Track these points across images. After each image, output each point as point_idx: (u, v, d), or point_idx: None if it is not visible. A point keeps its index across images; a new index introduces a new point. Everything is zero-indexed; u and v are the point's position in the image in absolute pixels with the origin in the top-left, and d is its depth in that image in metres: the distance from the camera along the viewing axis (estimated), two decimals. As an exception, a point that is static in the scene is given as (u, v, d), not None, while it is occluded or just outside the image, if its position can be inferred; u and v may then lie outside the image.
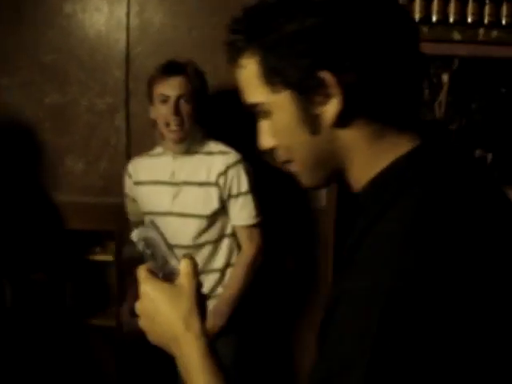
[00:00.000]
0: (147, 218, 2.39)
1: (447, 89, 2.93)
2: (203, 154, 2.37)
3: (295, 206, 2.88)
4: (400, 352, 0.72)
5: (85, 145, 2.83)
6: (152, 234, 1.00)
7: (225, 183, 2.33)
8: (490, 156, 2.96)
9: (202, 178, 2.33)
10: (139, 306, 0.99)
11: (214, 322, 2.28)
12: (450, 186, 0.84)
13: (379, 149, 0.88)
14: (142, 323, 1.00)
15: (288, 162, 0.96)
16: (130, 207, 2.52)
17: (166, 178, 2.37)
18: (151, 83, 2.32)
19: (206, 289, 2.33)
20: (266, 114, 0.92)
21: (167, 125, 2.29)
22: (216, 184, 2.33)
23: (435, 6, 2.85)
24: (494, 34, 2.88)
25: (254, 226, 2.40)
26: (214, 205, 2.33)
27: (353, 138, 0.88)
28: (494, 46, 2.90)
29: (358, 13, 0.84)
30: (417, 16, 2.84)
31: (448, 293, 0.74)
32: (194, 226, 2.33)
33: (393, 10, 0.87)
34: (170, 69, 2.30)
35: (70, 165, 2.85)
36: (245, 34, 0.89)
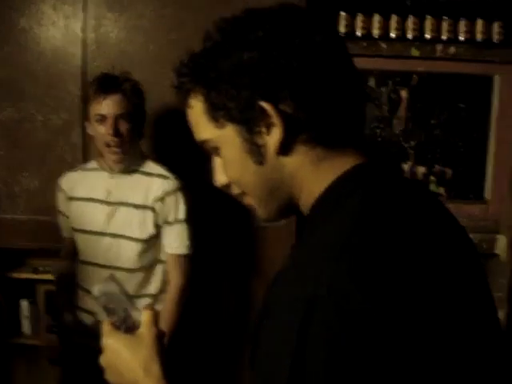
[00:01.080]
0: (79, 236, 2.33)
1: (406, 104, 2.95)
2: (141, 174, 2.30)
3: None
4: (320, 366, 0.72)
5: (40, 162, 2.78)
6: (113, 288, 1.03)
7: (161, 209, 2.27)
8: (449, 171, 2.97)
9: (139, 200, 2.26)
10: (103, 359, 1.02)
11: None
12: (385, 199, 0.87)
13: (323, 171, 0.91)
14: (108, 375, 1.03)
15: (243, 195, 0.98)
16: (63, 223, 2.42)
17: (101, 196, 2.29)
18: (87, 101, 2.24)
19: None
20: (216, 150, 0.96)
21: (107, 145, 2.21)
22: (152, 209, 2.26)
23: (393, 23, 2.87)
24: (452, 50, 2.90)
25: (185, 255, 2.33)
26: (150, 229, 2.27)
27: (298, 165, 0.91)
28: (452, 61, 2.93)
29: (292, 45, 0.88)
30: (375, 32, 2.85)
31: (374, 303, 0.74)
32: (129, 249, 2.26)
33: (325, 40, 0.91)
34: (106, 86, 2.20)
35: (25, 182, 2.79)
36: (190, 76, 0.94)
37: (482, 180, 2.99)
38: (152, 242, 2.29)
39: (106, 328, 1.03)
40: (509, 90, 2.98)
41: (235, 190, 0.99)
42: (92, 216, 2.29)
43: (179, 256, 2.32)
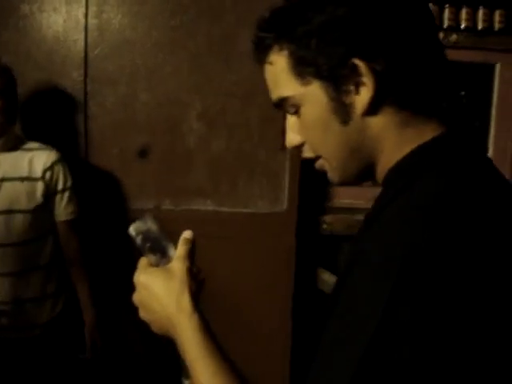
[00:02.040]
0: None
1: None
2: (22, 151, 2.36)
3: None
4: (411, 318, 0.71)
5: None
6: (149, 226, 1.00)
7: (51, 178, 2.37)
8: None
9: (24, 173, 2.32)
10: (135, 297, 1.02)
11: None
12: (469, 174, 0.85)
13: (406, 137, 0.89)
14: (142, 314, 1.02)
15: (317, 157, 0.96)
16: None
17: None
18: None
19: (36, 286, 2.38)
20: (295, 108, 0.93)
21: None
22: (42, 178, 2.34)
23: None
24: (454, 37, 2.91)
25: (75, 220, 2.48)
26: (38, 199, 2.34)
27: (383, 127, 0.89)
28: (454, 49, 2.93)
29: (385, 3, 0.86)
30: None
31: (463, 274, 0.73)
32: (19, 222, 2.31)
33: (415, 3, 0.89)
34: None
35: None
36: (273, 31, 0.90)
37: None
38: (40, 212, 2.36)
39: (140, 264, 1.02)
40: (510, 78, 2.99)
41: (307, 153, 0.97)
42: None
43: (70, 223, 2.47)
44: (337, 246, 3.05)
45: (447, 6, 2.89)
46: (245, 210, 2.86)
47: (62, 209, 2.43)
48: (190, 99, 2.79)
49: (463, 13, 2.91)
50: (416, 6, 0.89)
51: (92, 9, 2.74)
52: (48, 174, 2.35)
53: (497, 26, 2.93)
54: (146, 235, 0.99)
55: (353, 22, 0.85)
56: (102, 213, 2.82)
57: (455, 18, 2.91)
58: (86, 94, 2.75)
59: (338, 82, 0.87)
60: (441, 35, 2.89)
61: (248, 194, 2.86)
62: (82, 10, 2.73)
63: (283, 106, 0.94)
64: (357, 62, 0.85)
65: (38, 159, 2.35)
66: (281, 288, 2.85)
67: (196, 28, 2.76)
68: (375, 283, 0.75)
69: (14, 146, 2.36)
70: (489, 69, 3.00)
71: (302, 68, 0.89)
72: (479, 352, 0.72)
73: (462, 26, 2.91)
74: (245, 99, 2.79)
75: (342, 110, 0.88)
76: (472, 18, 2.91)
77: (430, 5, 2.87)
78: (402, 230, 0.78)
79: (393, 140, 0.90)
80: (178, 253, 1.01)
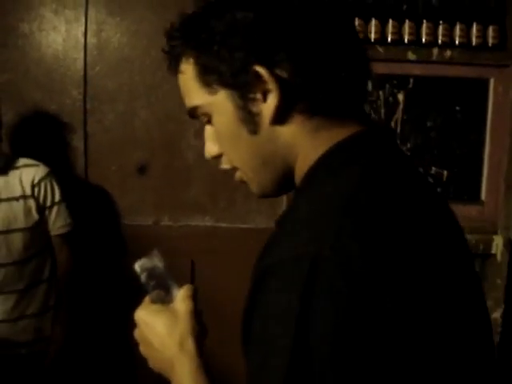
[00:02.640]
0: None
1: (403, 107, 2.98)
2: (13, 170, 2.38)
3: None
4: (326, 328, 0.70)
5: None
6: (155, 263, 0.99)
7: (39, 194, 2.39)
8: (445, 173, 3.01)
9: (18, 192, 2.35)
10: (137, 333, 0.99)
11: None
12: (386, 169, 0.84)
13: (320, 141, 0.86)
14: (141, 349, 1.00)
15: (234, 169, 0.94)
16: None
17: None
18: None
19: (37, 302, 2.41)
20: (207, 117, 0.91)
21: None
22: (32, 196, 2.37)
23: (390, 27, 2.90)
24: (448, 53, 2.94)
25: (68, 233, 2.50)
26: (35, 216, 2.38)
27: (294, 134, 0.87)
28: (448, 65, 2.97)
29: (290, 6, 0.84)
30: (372, 36, 2.89)
31: (376, 266, 0.72)
32: (18, 240, 2.34)
33: (328, 5, 0.87)
34: None
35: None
36: (180, 39, 0.90)
37: (479, 181, 3.03)
38: (38, 228, 2.40)
39: (144, 302, 1.00)
40: (504, 93, 3.02)
41: (225, 164, 0.94)
42: None
43: (63, 235, 2.49)
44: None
45: (441, 22, 2.92)
46: (243, 226, 2.88)
47: (52, 224, 2.45)
48: (188, 116, 2.81)
49: (457, 29, 2.94)
50: (324, 8, 0.86)
51: (91, 28, 2.77)
52: (36, 191, 2.38)
53: (490, 41, 2.96)
54: (151, 273, 0.99)
55: (253, 27, 0.82)
56: (102, 229, 2.84)
57: (449, 34, 2.94)
58: (85, 111, 2.79)
59: (243, 89, 0.85)
60: (435, 51, 2.93)
61: (246, 209, 2.88)
62: (82, 29, 2.77)
63: (195, 115, 0.93)
64: (258, 68, 0.82)
65: (26, 176, 2.37)
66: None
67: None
68: (283, 298, 0.73)
69: (4, 165, 2.37)
70: (483, 84, 3.03)
71: (207, 76, 0.87)
72: (396, 349, 0.72)
73: (457, 42, 2.94)
74: (242, 116, 2.82)
75: (250, 119, 0.86)
76: (466, 35, 2.94)
77: (424, 21, 2.91)
78: (304, 234, 0.75)
79: (306, 146, 0.87)
80: (183, 293, 0.98)
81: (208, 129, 0.95)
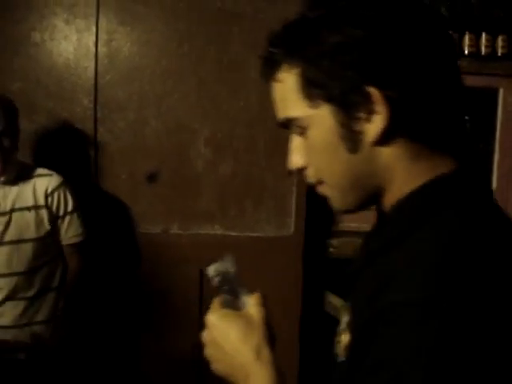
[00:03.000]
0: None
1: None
2: (25, 179, 2.41)
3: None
4: (457, 368, 0.69)
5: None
6: (229, 268, 0.99)
7: (52, 204, 2.41)
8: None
9: (30, 202, 2.38)
10: (205, 336, 0.98)
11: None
12: (482, 215, 0.82)
13: (418, 169, 0.85)
14: (209, 352, 0.98)
15: (319, 182, 0.91)
16: None
17: None
18: None
19: (46, 309, 2.43)
20: (301, 130, 0.88)
21: None
22: (45, 206, 2.40)
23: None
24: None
25: (80, 243, 2.52)
26: (46, 226, 2.40)
27: (393, 157, 0.85)
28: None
29: (404, 28, 0.82)
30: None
31: (498, 314, 0.72)
32: (29, 250, 2.36)
33: (434, 27, 0.85)
34: None
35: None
36: (284, 47, 0.86)
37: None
38: (49, 237, 2.42)
39: (214, 305, 0.98)
40: (513, 103, 3.03)
41: (310, 178, 0.92)
42: None
43: (75, 245, 2.51)
44: (344, 270, 3.07)
45: (451, 32, 2.93)
46: (252, 234, 2.88)
47: (64, 233, 2.47)
48: (198, 125, 2.83)
49: (466, 39, 2.96)
50: (436, 33, 0.84)
51: (102, 37, 2.79)
52: (49, 200, 2.41)
53: (500, 51, 2.97)
54: (225, 277, 0.98)
55: (369, 46, 0.80)
56: (112, 236, 2.85)
57: (459, 44, 2.95)
58: (95, 120, 2.80)
59: (350, 107, 0.82)
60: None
61: (255, 218, 2.89)
62: (92, 38, 2.78)
63: (288, 126, 0.90)
64: (371, 89, 0.80)
65: (39, 186, 2.40)
66: (289, 311, 2.87)
67: (204, 55, 2.81)
68: (412, 335, 0.72)
69: (19, 175, 2.40)
70: (492, 93, 3.04)
71: (312, 90, 0.84)
72: None
73: (466, 52, 2.95)
74: (252, 125, 2.84)
75: (351, 138, 0.84)
76: (475, 44, 2.96)
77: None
78: (431, 278, 0.74)
79: (404, 171, 0.85)
80: (256, 300, 0.97)
81: (297, 140, 0.91)
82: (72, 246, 2.51)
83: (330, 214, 3.07)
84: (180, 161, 2.86)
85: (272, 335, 0.97)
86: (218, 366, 0.97)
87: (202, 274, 2.81)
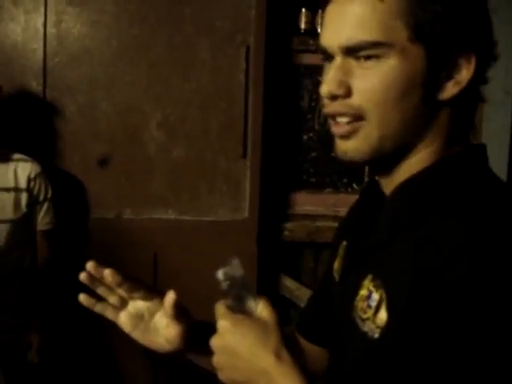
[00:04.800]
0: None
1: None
2: (6, 161, 2.43)
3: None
4: None
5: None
6: (238, 273, 0.97)
7: (33, 188, 2.46)
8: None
9: (11, 183, 2.41)
10: (217, 342, 0.93)
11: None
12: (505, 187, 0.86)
13: (446, 140, 0.87)
14: (219, 359, 0.93)
15: (356, 118, 0.86)
16: None
17: None
18: None
19: (14, 293, 2.44)
20: (378, 57, 0.83)
21: None
22: (26, 189, 2.44)
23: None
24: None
25: (53, 229, 2.57)
26: (23, 209, 2.44)
27: (445, 121, 0.86)
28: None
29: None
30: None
31: None
32: (4, 230, 2.39)
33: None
34: None
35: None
36: None
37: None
38: (24, 221, 2.45)
39: (221, 309, 0.94)
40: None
41: (349, 108, 0.86)
42: None
43: (47, 231, 2.55)
44: (298, 253, 3.07)
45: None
46: (206, 219, 2.86)
47: (40, 219, 2.52)
48: (149, 108, 2.80)
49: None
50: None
51: (51, 18, 2.73)
52: (32, 185, 2.45)
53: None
54: (233, 281, 0.96)
55: (475, 11, 0.83)
56: (63, 222, 2.81)
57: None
58: (45, 103, 2.74)
59: (446, 60, 0.82)
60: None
61: (209, 202, 2.86)
62: (41, 19, 2.72)
63: (359, 52, 0.83)
64: (470, 51, 0.83)
65: (22, 170, 2.43)
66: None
67: (155, 37, 2.76)
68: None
69: None
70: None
71: (419, 26, 0.81)
72: None
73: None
74: (204, 107, 2.81)
75: (432, 88, 0.83)
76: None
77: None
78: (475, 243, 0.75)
79: (441, 140, 0.87)
80: (266, 304, 0.93)
81: (350, 63, 0.85)
82: (45, 232, 2.55)
83: (284, 197, 3.07)
84: (132, 145, 2.82)
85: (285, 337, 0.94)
86: (232, 374, 0.93)
87: (156, 259, 2.79)
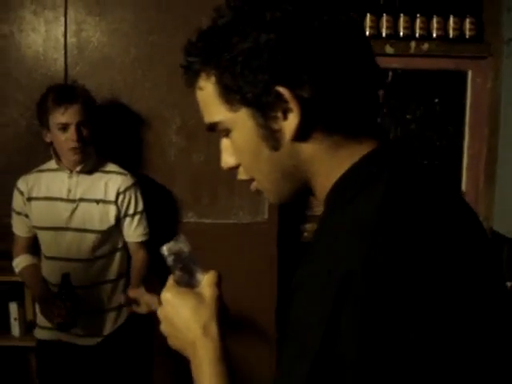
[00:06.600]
0: (43, 233, 2.49)
1: (382, 100, 3.01)
2: (100, 172, 2.49)
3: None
4: (353, 339, 0.74)
5: (24, 166, 2.80)
6: (183, 248, 1.01)
7: (122, 202, 2.50)
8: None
9: (100, 195, 2.47)
10: (160, 312, 1.02)
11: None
12: (409, 185, 0.88)
13: (340, 158, 0.90)
14: (163, 327, 1.02)
15: (251, 179, 0.96)
16: (19, 223, 2.56)
17: (62, 194, 2.46)
18: (46, 112, 2.37)
19: (102, 299, 2.51)
20: (226, 132, 0.93)
21: (70, 149, 2.38)
22: (115, 202, 2.48)
23: (368, 21, 2.94)
24: (426, 46, 2.98)
25: (145, 242, 2.59)
26: (111, 221, 2.48)
27: (314, 151, 0.89)
28: (426, 58, 3.01)
29: (311, 28, 0.85)
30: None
31: (405, 283, 0.76)
32: (90, 240, 2.45)
33: (345, 23, 0.89)
34: (65, 96, 2.36)
35: (9, 186, 2.82)
36: (200, 56, 0.90)
37: (459, 172, 3.07)
38: (111, 232, 2.50)
39: (168, 282, 1.02)
40: (482, 85, 3.06)
41: (242, 176, 0.97)
42: (54, 213, 2.46)
43: (140, 243, 2.58)
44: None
45: (418, 15, 2.96)
46: (226, 221, 2.91)
47: (132, 231, 2.55)
48: (169, 113, 2.85)
49: (434, 22, 2.98)
50: (343, 29, 0.88)
51: (71, 28, 2.79)
52: (121, 198, 2.49)
53: (467, 33, 3.00)
54: (178, 256, 1.01)
55: (276, 49, 0.84)
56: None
57: (427, 27, 2.98)
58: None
59: (265, 108, 0.87)
60: (413, 44, 2.96)
61: (229, 205, 2.91)
62: (61, 29, 2.78)
63: (216, 130, 0.94)
64: (281, 89, 0.84)
65: (113, 183, 2.48)
66: (264, 296, 2.90)
67: (173, 44, 2.80)
68: (313, 308, 0.77)
69: (93, 167, 2.48)
70: (461, 76, 3.07)
71: (229, 95, 0.88)
72: (418, 360, 0.76)
73: (434, 35, 2.98)
74: (223, 112, 2.84)
75: (271, 136, 0.88)
76: (443, 27, 2.98)
77: (401, 15, 2.94)
78: (341, 249, 0.80)
79: (327, 162, 0.90)
80: (210, 279, 1.00)
81: (225, 141, 0.96)
82: (139, 243, 2.58)
83: (303, 199, 3.09)
84: (152, 150, 2.87)
85: (225, 314, 1.00)
86: (173, 342, 1.02)
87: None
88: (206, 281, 1.00)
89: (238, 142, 0.92)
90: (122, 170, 2.53)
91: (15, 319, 2.89)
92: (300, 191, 0.96)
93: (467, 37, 3.01)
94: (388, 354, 0.74)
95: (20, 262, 2.55)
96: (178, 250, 1.01)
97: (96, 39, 2.81)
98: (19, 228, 2.56)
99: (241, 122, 0.90)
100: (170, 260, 1.01)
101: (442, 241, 0.83)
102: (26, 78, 2.80)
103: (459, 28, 3.00)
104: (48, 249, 2.48)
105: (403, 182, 0.87)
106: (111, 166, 2.53)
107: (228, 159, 0.97)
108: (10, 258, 2.59)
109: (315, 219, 3.06)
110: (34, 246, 2.57)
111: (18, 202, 2.52)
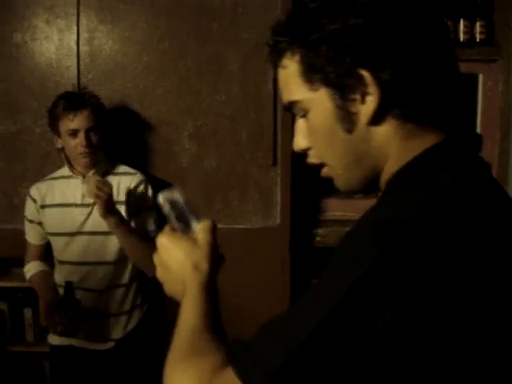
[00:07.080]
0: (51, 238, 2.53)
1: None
2: (110, 175, 2.51)
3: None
4: (389, 297, 0.75)
5: (38, 172, 2.84)
6: (177, 197, 1.05)
7: (132, 199, 2.51)
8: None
9: (113, 197, 2.45)
10: (156, 259, 1.07)
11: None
12: (471, 181, 0.88)
13: (410, 147, 0.91)
14: (159, 273, 1.07)
15: (322, 165, 0.98)
16: (31, 231, 2.58)
17: (76, 200, 2.49)
18: (56, 118, 2.41)
19: (115, 303, 2.51)
20: (303, 112, 0.95)
21: (80, 155, 2.43)
22: (124, 202, 2.48)
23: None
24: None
25: (154, 238, 2.51)
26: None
27: (387, 137, 0.91)
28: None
29: (397, 15, 0.88)
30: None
31: (449, 265, 0.77)
32: (105, 243, 2.46)
33: (429, 17, 0.91)
34: (75, 104, 2.40)
35: (25, 193, 2.84)
36: (287, 36, 0.93)
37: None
38: None
39: (165, 229, 1.06)
40: (493, 88, 3.06)
41: (313, 159, 0.98)
42: (69, 219, 2.48)
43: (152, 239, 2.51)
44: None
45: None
46: (239, 226, 2.92)
47: (140, 228, 2.53)
48: (181, 120, 2.86)
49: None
50: (429, 19, 0.90)
51: (83, 36, 2.82)
52: (130, 196, 2.51)
53: (478, 37, 3.00)
54: (173, 204, 1.05)
55: (362, 33, 0.86)
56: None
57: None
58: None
59: (345, 90, 0.89)
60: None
61: (241, 210, 2.92)
62: (74, 37, 2.81)
63: (292, 109, 0.97)
64: (363, 72, 0.86)
65: (123, 183, 2.51)
66: (277, 301, 2.90)
67: (185, 51, 2.83)
68: (335, 282, 0.79)
69: (107, 171, 2.51)
70: (472, 79, 3.06)
71: (311, 74, 0.91)
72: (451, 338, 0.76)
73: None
74: (234, 118, 2.87)
75: (348, 119, 0.90)
76: (454, 31, 2.98)
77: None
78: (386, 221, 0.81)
79: (397, 149, 0.91)
80: (204, 225, 1.04)
81: (300, 122, 0.98)
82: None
83: (315, 203, 3.10)
84: (165, 156, 2.89)
85: (219, 257, 1.05)
86: (169, 287, 1.06)
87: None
88: (200, 227, 1.04)
89: (314, 122, 0.94)
90: (132, 170, 2.56)
91: (30, 325, 2.92)
92: (369, 180, 0.96)
93: (478, 40, 3.01)
94: (426, 325, 0.75)
95: (30, 268, 2.57)
96: (172, 199, 1.05)
97: (108, 47, 2.83)
98: (31, 235, 2.59)
99: (319, 103, 0.92)
100: (166, 208, 1.05)
101: (494, 238, 0.83)
102: (40, 85, 2.83)
103: (470, 31, 3.00)
104: (61, 254, 2.50)
105: (466, 179, 0.88)
106: (122, 168, 2.56)
107: (301, 141, 0.99)
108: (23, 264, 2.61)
109: (327, 224, 3.07)
110: (45, 253, 2.59)
111: (30, 209, 2.54)
